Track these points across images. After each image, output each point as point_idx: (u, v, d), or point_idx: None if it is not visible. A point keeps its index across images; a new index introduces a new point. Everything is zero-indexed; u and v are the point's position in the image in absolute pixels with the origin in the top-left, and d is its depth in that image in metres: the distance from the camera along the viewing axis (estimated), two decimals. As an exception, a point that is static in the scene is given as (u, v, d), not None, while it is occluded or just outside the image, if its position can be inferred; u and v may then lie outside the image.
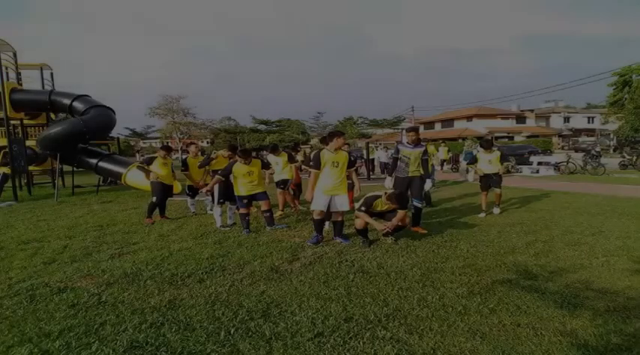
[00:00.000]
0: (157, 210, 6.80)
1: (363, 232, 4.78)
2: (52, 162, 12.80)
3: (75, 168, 12.03)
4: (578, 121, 50.44)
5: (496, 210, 6.77)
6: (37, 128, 14.12)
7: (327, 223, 5.47)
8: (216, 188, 5.94)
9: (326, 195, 4.77)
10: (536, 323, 2.65)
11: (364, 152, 17.40)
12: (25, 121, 13.24)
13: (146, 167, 6.84)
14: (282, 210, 7.14)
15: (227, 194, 5.95)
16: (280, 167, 7.03)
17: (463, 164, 13.75)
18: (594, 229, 5.31)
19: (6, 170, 10.43)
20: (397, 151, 5.64)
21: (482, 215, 6.54)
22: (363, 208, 4.67)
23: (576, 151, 29.16)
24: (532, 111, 49.38)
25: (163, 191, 6.74)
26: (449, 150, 19.36)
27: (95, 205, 8.95)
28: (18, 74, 12.81)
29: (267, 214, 5.74)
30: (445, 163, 19.04)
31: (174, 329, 2.65)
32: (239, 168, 5.56)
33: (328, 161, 4.75)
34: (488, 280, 3.45)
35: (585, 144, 31.52)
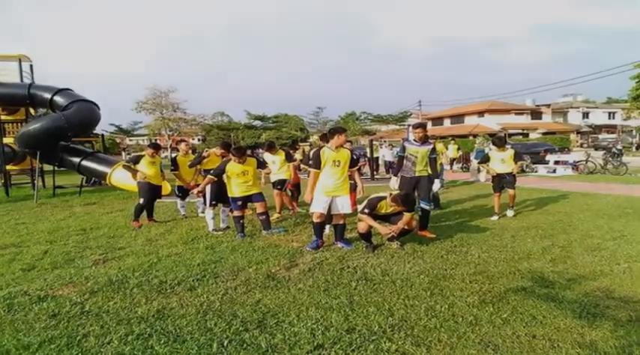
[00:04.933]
0: (144, 213, 6.80)
1: (367, 236, 4.78)
2: (31, 161, 12.79)
3: (56, 168, 12.03)
4: (598, 117, 50.45)
5: (510, 213, 6.77)
6: (15, 124, 14.10)
7: (327, 227, 5.47)
8: (208, 189, 5.94)
9: (326, 197, 4.78)
10: (552, 334, 2.65)
11: (367, 150, 17.41)
12: (3, 117, 13.23)
13: (133, 166, 6.83)
14: (280, 213, 7.14)
15: (220, 195, 5.95)
16: (277, 166, 7.03)
17: (474, 163, 13.76)
18: (615, 233, 5.31)
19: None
20: (403, 149, 5.64)
21: (495, 218, 6.54)
22: (366, 210, 4.67)
23: (596, 149, 29.19)
24: (548, 106, 49.41)
25: (151, 192, 6.73)
26: (459, 148, 19.38)
27: (78, 207, 8.95)
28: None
29: (263, 217, 5.74)
30: (455, 162, 19.05)
31: (162, 341, 2.65)
32: (233, 167, 5.56)
33: (329, 160, 4.76)
34: (501, 288, 3.45)
35: (606, 142, 31.60)
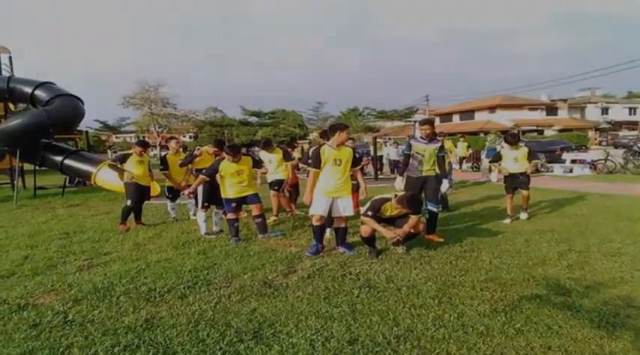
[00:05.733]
0: (131, 216, 6.81)
1: (370, 241, 4.78)
2: (10, 159, 12.79)
3: (37, 167, 12.03)
4: (619, 113, 50.45)
5: (523, 215, 6.78)
6: (-7, 120, 14.10)
7: (328, 230, 5.48)
8: (200, 190, 5.94)
9: (327, 198, 4.78)
10: (569, 345, 2.65)
11: (371, 148, 17.41)
12: (-20, 113, 13.23)
13: (119, 165, 6.84)
14: (277, 215, 7.14)
15: (213, 196, 5.96)
16: (274, 165, 7.04)
17: (485, 162, 13.77)
18: (636, 237, 5.32)
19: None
20: (409, 147, 5.65)
21: (508, 221, 6.55)
22: (369, 213, 4.67)
23: (616, 147, 29.18)
24: (565, 101, 49.43)
25: (139, 193, 6.74)
26: (469, 146, 19.32)
27: (60, 209, 8.95)
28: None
29: (259, 220, 5.75)
30: (464, 161, 19.05)
31: (151, 353, 2.65)
32: (226, 166, 5.56)
33: (329, 158, 4.76)
34: (515, 296, 3.46)
35: (626, 139, 31.52)
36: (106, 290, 3.78)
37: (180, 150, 7.59)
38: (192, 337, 2.86)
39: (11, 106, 13.99)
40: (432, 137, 5.56)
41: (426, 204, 5.48)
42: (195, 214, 6.93)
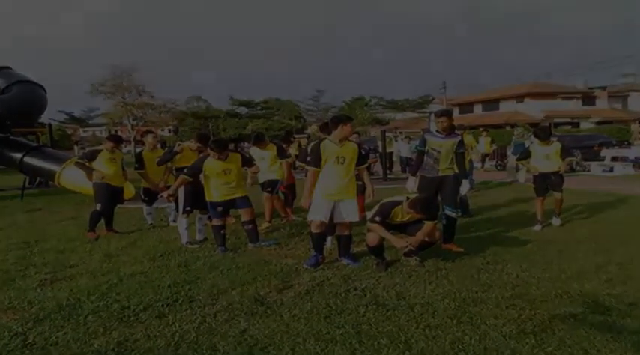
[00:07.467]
0: (102, 222, 6.81)
1: (378, 251, 4.79)
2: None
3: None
4: (666, 102, 50.36)
5: (556, 221, 6.78)
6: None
7: (329, 239, 5.48)
8: (181, 192, 5.95)
9: (328, 201, 4.78)
10: (609, 372, 2.66)
11: (379, 143, 17.42)
12: None
13: (88, 164, 6.84)
14: (270, 221, 7.15)
15: (196, 200, 5.96)
16: (267, 163, 7.04)
17: (512, 159, 13.77)
18: (687, 247, 5.32)
19: None
20: (423, 143, 5.65)
21: (538, 228, 6.55)
22: (377, 218, 4.67)
23: (663, 142, 29.17)
24: (604, 88, 49.39)
25: (111, 196, 6.74)
26: (493, 141, 19.38)
27: (19, 215, 8.97)
28: None
29: (250, 227, 5.75)
30: (488, 158, 19.07)
31: (125, 381, 2.65)
32: (212, 165, 5.57)
33: (331, 155, 4.76)
34: (545, 315, 3.46)
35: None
36: (72, 309, 3.78)
37: (158, 145, 7.59)
38: (172, 362, 2.86)
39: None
40: (449, 131, 5.56)
41: (443, 208, 5.49)
42: (175, 220, 6.94)
